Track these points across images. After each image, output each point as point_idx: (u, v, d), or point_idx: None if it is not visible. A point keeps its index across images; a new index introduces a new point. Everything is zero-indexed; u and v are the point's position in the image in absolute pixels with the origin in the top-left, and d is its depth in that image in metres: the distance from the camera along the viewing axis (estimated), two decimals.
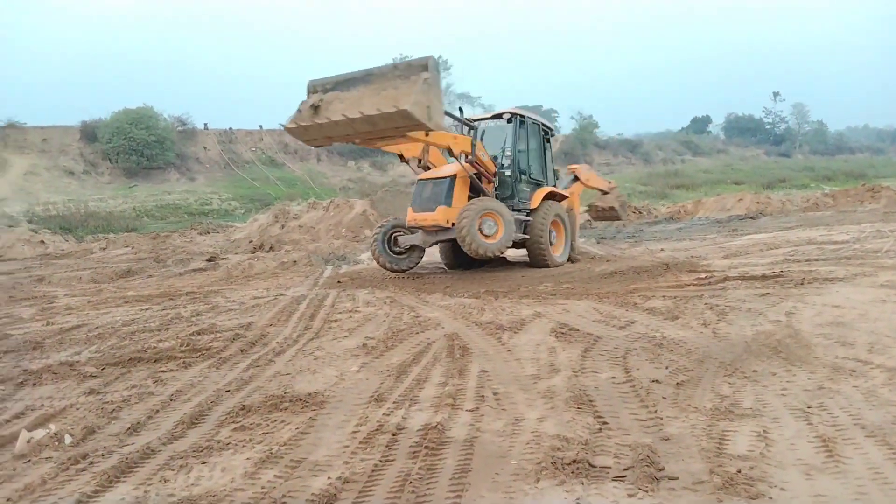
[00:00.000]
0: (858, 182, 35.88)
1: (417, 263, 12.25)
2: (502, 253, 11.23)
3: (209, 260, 16.49)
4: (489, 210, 10.73)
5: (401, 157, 11.57)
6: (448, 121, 11.30)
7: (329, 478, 3.27)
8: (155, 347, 6.41)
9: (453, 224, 10.80)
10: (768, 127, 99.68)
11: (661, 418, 3.87)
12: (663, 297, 7.77)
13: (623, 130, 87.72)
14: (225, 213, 39.89)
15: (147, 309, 9.01)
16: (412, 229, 11.80)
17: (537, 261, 11.92)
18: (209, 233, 25.40)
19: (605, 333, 6.07)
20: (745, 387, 4.39)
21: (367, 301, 8.96)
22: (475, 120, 12.93)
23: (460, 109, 12.15)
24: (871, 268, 8.72)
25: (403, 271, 12.05)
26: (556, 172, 13.56)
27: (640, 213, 28.06)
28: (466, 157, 10.91)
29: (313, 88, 9.23)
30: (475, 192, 11.44)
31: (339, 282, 11.55)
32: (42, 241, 22.48)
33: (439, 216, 11.04)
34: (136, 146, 45.55)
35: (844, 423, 3.66)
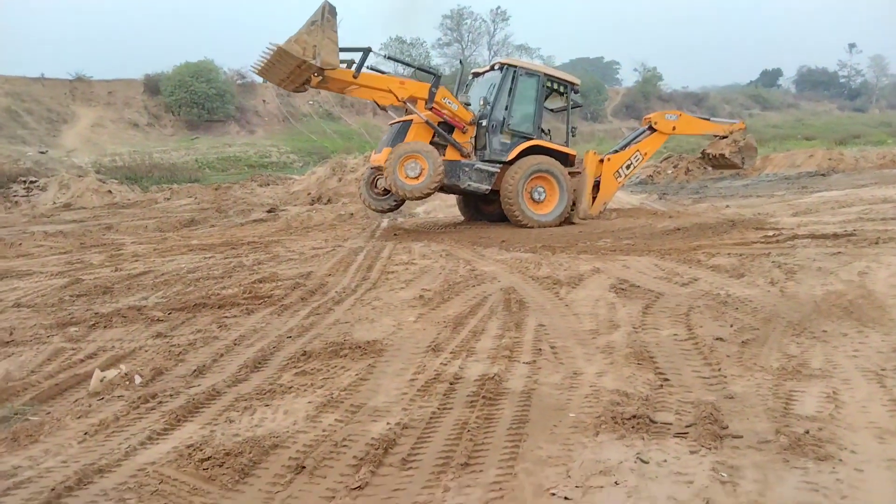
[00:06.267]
0: None
1: (399, 205, 12.68)
2: (428, 194, 11.27)
3: (269, 211, 16.82)
4: (413, 152, 10.83)
5: (375, 103, 11.64)
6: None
7: (388, 423, 3.32)
8: (218, 294, 6.58)
9: None
10: (843, 80, 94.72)
11: (725, 376, 3.77)
12: (728, 254, 7.54)
13: (688, 83, 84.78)
14: (283, 166, 40.39)
15: (210, 257, 9.25)
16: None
17: (509, 216, 11.70)
18: (268, 185, 25.80)
19: (667, 290, 5.94)
20: (813, 347, 4.24)
21: (423, 254, 8.98)
22: (476, 73, 13.17)
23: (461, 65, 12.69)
24: None
25: (386, 211, 12.64)
26: (573, 130, 12.82)
27: (705, 168, 27.13)
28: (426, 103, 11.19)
29: None
30: (444, 140, 11.54)
31: (395, 234, 11.61)
32: (109, 191, 23.21)
33: (381, 158, 11.27)
34: (198, 99, 46.21)
35: None
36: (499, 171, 11.71)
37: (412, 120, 11.54)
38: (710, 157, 14.12)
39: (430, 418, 3.37)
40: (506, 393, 3.66)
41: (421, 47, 67.97)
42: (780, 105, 79.68)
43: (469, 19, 75.18)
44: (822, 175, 21.68)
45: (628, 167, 13.01)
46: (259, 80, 56.43)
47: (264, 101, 53.30)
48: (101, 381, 4.10)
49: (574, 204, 12.23)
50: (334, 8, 10.13)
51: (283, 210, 17.24)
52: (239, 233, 12.94)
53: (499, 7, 75.58)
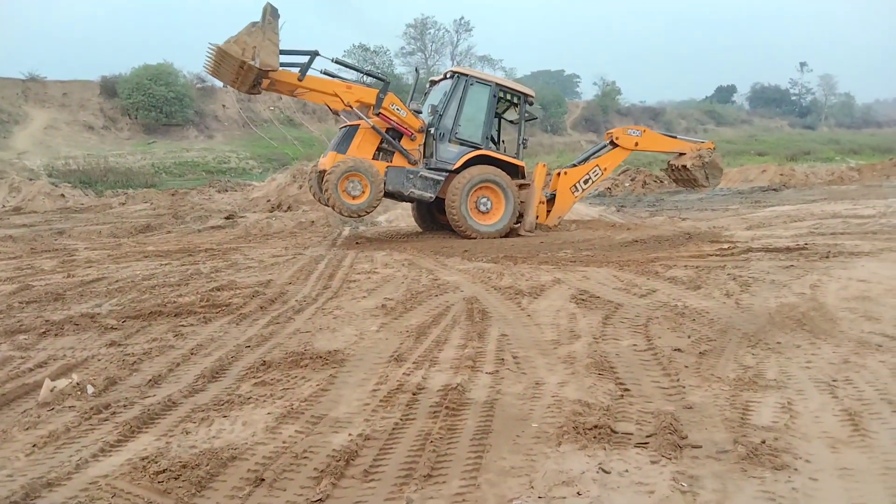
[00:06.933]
0: (885, 157, 35.07)
1: None
2: (370, 211, 11.31)
3: (227, 218, 16.57)
4: (352, 171, 10.78)
5: (329, 108, 11.71)
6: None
7: (350, 434, 3.28)
8: (175, 302, 6.44)
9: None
10: (794, 98, 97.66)
11: (684, 387, 3.83)
12: (685, 266, 7.69)
13: (646, 98, 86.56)
14: (243, 172, 39.89)
15: (166, 264, 9.05)
16: None
17: (452, 224, 11.67)
18: (227, 191, 25.46)
19: (626, 301, 6.02)
20: (768, 358, 4.34)
21: (386, 263, 8.94)
22: (433, 81, 13.02)
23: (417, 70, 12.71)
24: None
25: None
26: (524, 142, 12.62)
27: (661, 181, 27.74)
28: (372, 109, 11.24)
29: None
30: (391, 147, 11.53)
31: (356, 243, 11.55)
32: (62, 195, 22.63)
33: (327, 162, 11.22)
34: (156, 102, 45.36)
35: (871, 398, 3.60)
36: (444, 179, 11.62)
37: (359, 125, 11.43)
38: (673, 168, 13.92)
39: (393, 429, 3.34)
40: (469, 403, 3.66)
41: (384, 55, 68.00)
42: (734, 121, 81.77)
43: (433, 29, 75.45)
44: (775, 190, 22.35)
45: (586, 182, 12.86)
46: (219, 84, 55.70)
47: (224, 105, 52.60)
48: (52, 390, 3.96)
49: (521, 216, 12.11)
50: (276, 10, 10.15)
51: (242, 217, 17.01)
52: (196, 239, 12.72)
53: (462, 17, 76.07)
